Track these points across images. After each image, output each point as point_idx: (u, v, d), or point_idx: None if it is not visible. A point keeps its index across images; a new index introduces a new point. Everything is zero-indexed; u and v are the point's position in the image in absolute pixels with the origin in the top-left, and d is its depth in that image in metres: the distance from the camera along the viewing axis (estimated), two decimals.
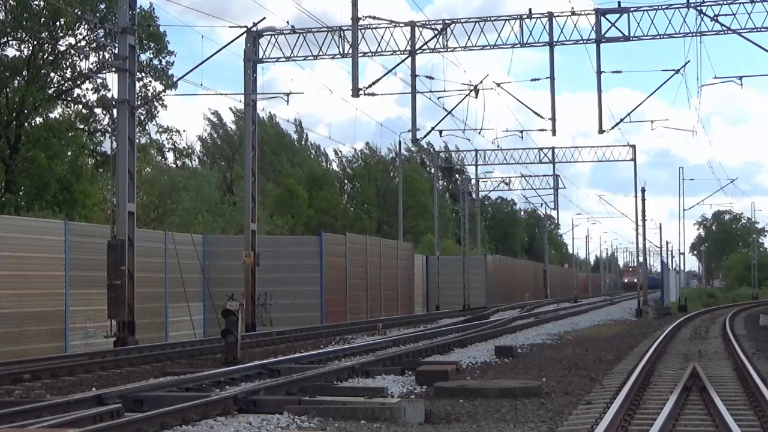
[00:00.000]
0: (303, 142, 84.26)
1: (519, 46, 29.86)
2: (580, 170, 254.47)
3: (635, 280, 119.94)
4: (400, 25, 30.35)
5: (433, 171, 78.03)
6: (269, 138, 74.12)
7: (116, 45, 25.11)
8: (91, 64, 41.47)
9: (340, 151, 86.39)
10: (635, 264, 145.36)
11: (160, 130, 46.86)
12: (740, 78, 30.77)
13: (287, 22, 32.33)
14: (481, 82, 32.08)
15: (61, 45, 41.57)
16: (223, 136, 78.71)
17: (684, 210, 77.98)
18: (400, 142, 64.05)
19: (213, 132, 79.09)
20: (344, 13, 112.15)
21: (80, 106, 43.73)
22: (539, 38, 29.62)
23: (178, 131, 48.79)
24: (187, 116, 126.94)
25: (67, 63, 42.29)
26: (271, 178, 70.29)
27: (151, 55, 42.74)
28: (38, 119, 42.11)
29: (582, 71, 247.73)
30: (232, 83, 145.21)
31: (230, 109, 77.26)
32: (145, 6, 41.23)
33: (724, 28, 28.27)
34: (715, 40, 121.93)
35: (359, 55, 29.43)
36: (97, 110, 43.25)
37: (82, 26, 40.29)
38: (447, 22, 30.52)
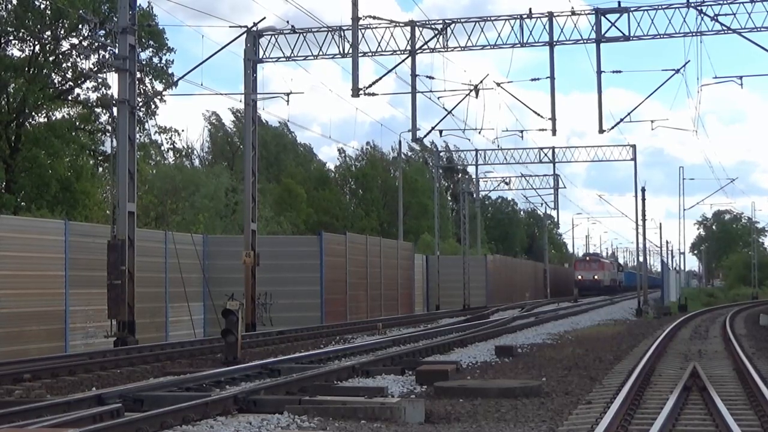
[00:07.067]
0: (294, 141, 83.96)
1: (519, 45, 29.82)
2: (576, 170, 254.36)
3: (595, 277, 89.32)
4: (400, 24, 30.33)
5: (434, 171, 77.92)
6: (269, 137, 73.98)
7: (117, 45, 25.11)
8: (92, 64, 41.52)
9: (344, 150, 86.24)
10: (609, 253, 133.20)
11: (159, 130, 46.94)
12: (740, 78, 30.79)
13: (287, 22, 32.29)
14: (481, 81, 32.10)
15: (63, 45, 41.65)
16: (224, 136, 78.58)
17: (684, 210, 77.97)
18: (400, 142, 64.12)
19: (214, 132, 78.96)
20: (342, 13, 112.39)
21: (81, 106, 43.76)
22: (539, 38, 29.61)
23: (176, 131, 48.91)
24: (187, 116, 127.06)
25: (69, 63, 42.34)
26: (271, 178, 70.24)
27: (151, 54, 42.83)
28: (40, 119, 42.14)
29: (577, 71, 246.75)
30: (227, 83, 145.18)
31: (230, 109, 77.23)
32: (144, 5, 41.34)
33: (724, 28, 28.26)
34: (715, 40, 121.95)
35: (359, 54, 29.42)
36: (98, 110, 43.29)
37: (85, 26, 40.33)
38: (447, 21, 30.49)
